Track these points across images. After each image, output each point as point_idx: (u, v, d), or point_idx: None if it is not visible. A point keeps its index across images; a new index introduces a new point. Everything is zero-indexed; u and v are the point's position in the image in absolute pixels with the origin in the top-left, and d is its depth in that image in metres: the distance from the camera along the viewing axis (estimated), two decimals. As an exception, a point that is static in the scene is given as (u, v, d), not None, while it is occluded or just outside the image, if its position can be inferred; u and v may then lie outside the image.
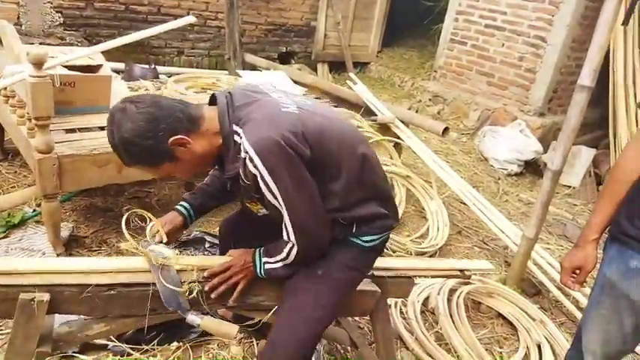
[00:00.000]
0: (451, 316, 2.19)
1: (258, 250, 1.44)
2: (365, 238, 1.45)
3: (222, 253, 1.72)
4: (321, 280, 1.42)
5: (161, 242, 1.48)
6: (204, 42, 5.21)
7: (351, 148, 1.39)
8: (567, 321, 2.52)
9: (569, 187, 4.25)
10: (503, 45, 4.92)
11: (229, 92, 1.37)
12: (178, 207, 1.61)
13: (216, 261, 1.48)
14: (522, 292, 2.59)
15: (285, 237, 1.34)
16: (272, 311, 1.52)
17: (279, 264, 1.39)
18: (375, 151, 1.54)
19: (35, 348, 1.34)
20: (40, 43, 3.80)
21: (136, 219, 2.34)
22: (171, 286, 1.35)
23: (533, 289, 2.68)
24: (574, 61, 4.61)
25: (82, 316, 1.48)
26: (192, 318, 1.39)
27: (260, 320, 1.55)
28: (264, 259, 1.41)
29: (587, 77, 2.10)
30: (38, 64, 1.87)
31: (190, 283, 1.39)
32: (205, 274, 1.41)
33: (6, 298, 1.28)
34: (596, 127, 5.05)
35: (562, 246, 3.27)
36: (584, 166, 4.29)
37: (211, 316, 1.50)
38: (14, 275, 1.30)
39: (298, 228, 1.31)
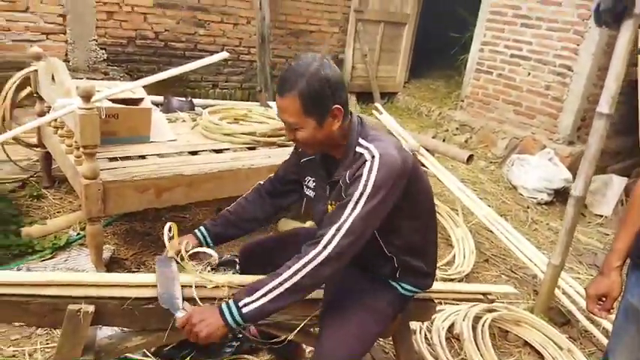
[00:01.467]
0: (476, 342, 2.21)
1: (224, 302, 1.34)
2: (405, 286, 1.58)
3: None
4: (368, 309, 1.50)
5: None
6: (237, 75, 5.46)
7: (428, 201, 1.56)
8: (597, 351, 2.48)
9: (602, 216, 4.19)
10: (529, 74, 4.96)
11: (360, 116, 1.53)
12: (196, 231, 1.67)
13: (245, 279, 1.55)
14: (550, 321, 2.57)
15: (321, 241, 1.32)
16: (297, 329, 1.59)
17: (268, 296, 1.29)
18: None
19: (80, 357, 1.45)
20: (86, 78, 4.08)
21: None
22: (171, 288, 1.42)
23: (561, 319, 2.65)
24: (601, 89, 4.57)
25: (121, 329, 1.60)
26: (180, 315, 1.37)
27: (286, 338, 1.62)
28: (242, 302, 1.29)
29: (605, 105, 2.14)
30: (87, 97, 2.06)
31: (220, 300, 1.47)
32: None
33: (55, 308, 1.38)
34: (629, 156, 4.98)
35: (592, 275, 3.21)
36: (615, 195, 4.23)
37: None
38: (63, 287, 1.42)
39: (346, 237, 1.31)
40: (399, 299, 1.60)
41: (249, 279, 1.56)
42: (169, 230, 1.60)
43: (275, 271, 1.33)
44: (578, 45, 4.53)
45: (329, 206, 1.53)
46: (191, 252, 1.56)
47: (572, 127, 4.66)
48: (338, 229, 1.32)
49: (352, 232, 1.32)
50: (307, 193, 1.65)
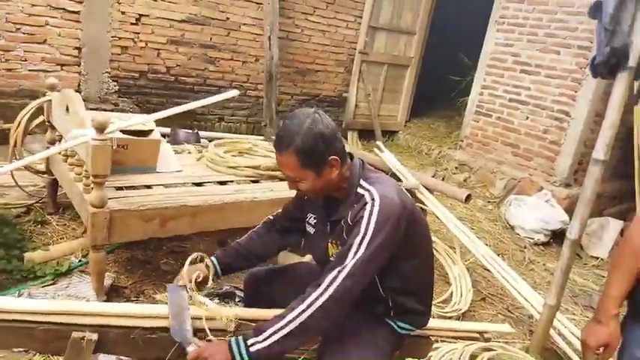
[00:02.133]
0: (471, 381, 2.21)
1: (235, 338, 1.38)
2: (400, 324, 1.63)
3: (248, 306, 1.85)
4: (366, 344, 1.54)
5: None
6: (244, 110, 5.60)
7: (425, 244, 1.63)
8: (592, 394, 2.47)
9: (597, 258, 4.22)
10: (527, 118, 5.09)
11: (361, 159, 1.62)
12: (207, 260, 1.73)
13: (255, 314, 1.59)
14: (546, 363, 2.58)
15: (323, 283, 1.37)
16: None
17: (275, 337, 1.34)
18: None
19: (80, 383, 1.47)
20: (96, 109, 4.20)
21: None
22: (183, 320, 1.47)
23: (556, 359, 2.66)
24: (597, 134, 4.65)
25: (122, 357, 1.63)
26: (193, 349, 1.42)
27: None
28: (250, 341, 1.34)
29: (601, 151, 2.23)
30: (101, 129, 2.14)
31: (229, 333, 1.49)
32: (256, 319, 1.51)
33: (60, 335, 1.43)
34: (625, 200, 5.05)
35: (587, 317, 3.22)
36: (612, 238, 4.27)
37: None
38: (68, 315, 1.46)
39: (350, 278, 1.37)
40: (395, 336, 1.64)
41: (255, 312, 1.61)
42: (200, 260, 1.66)
43: (281, 313, 1.39)
44: (575, 92, 4.67)
45: (329, 244, 1.60)
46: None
47: (570, 170, 4.75)
48: (340, 272, 1.38)
49: (354, 274, 1.39)
50: (308, 229, 1.72)
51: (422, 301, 1.65)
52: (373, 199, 1.44)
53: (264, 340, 1.34)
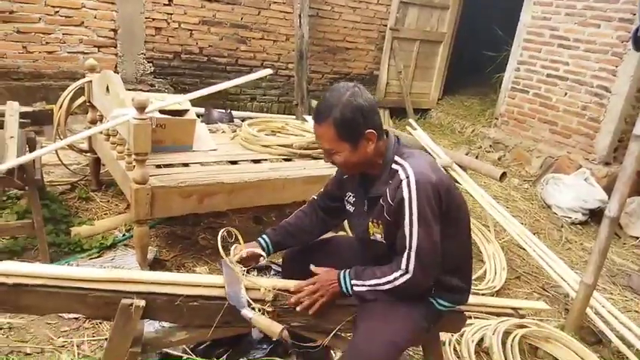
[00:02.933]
0: (505, 357, 2.22)
1: (343, 271, 1.59)
2: (440, 302, 1.64)
3: (285, 278, 1.90)
4: (402, 318, 1.56)
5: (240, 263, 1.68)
6: (275, 89, 5.63)
7: (463, 220, 1.63)
8: (629, 372, 2.45)
9: (637, 238, 4.11)
10: (566, 94, 4.94)
11: (397, 136, 1.63)
12: (260, 239, 1.80)
13: (289, 284, 1.64)
14: (581, 340, 2.55)
15: (401, 264, 1.49)
16: (331, 334, 1.66)
17: (368, 287, 1.54)
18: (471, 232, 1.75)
19: (129, 348, 1.56)
20: (133, 89, 4.31)
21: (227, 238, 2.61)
22: (237, 287, 1.55)
23: (593, 338, 2.63)
24: (639, 110, 4.55)
25: (166, 324, 1.71)
26: (246, 312, 1.51)
27: (322, 343, 1.69)
28: (352, 281, 1.56)
29: (642, 127, 2.16)
30: (141, 108, 2.21)
31: (265, 302, 1.56)
32: (292, 288, 1.59)
33: (110, 302, 1.50)
34: (668, 178, 4.87)
35: (626, 297, 3.18)
36: (653, 218, 4.14)
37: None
38: (117, 283, 1.54)
39: (420, 258, 1.47)
40: (433, 313, 1.65)
41: (290, 283, 1.66)
42: (230, 237, 1.71)
43: (375, 271, 1.55)
44: (616, 66, 4.50)
45: (370, 223, 1.62)
46: (238, 256, 1.67)
47: (609, 148, 4.60)
48: (409, 257, 1.48)
49: (421, 255, 1.46)
50: (348, 208, 1.74)
51: (462, 278, 1.65)
52: (407, 176, 1.45)
53: (363, 285, 1.55)
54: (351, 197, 1.71)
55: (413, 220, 1.43)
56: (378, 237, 1.61)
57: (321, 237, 1.95)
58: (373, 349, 1.49)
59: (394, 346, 1.53)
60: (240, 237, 1.71)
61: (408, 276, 1.48)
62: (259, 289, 1.58)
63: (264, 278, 1.70)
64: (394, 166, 1.52)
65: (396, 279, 1.50)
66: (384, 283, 1.52)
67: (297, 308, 1.55)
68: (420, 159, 1.54)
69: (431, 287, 1.59)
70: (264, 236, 1.81)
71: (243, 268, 1.62)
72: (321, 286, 1.57)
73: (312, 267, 1.66)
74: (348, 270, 1.59)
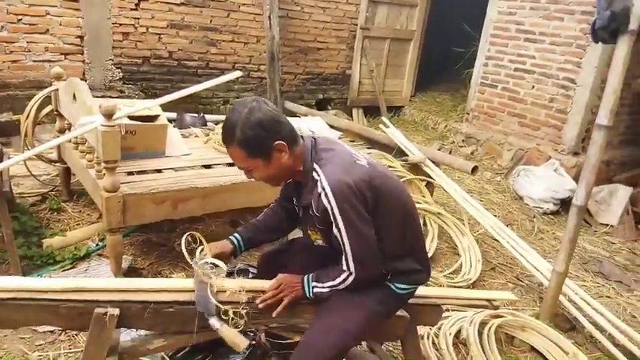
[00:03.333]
0: (482, 347, 2.27)
1: (306, 275, 1.64)
2: (398, 285, 1.66)
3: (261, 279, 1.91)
4: (354, 306, 1.60)
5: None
6: (248, 91, 5.60)
7: (401, 205, 1.63)
8: (602, 356, 2.53)
9: (607, 225, 4.23)
10: (533, 87, 5.06)
11: (314, 137, 1.63)
12: (231, 237, 1.82)
13: (257, 284, 1.67)
14: (556, 327, 2.62)
15: (343, 266, 1.55)
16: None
17: (327, 289, 1.60)
18: (417, 212, 1.76)
19: (105, 357, 1.54)
20: (102, 96, 4.24)
21: (192, 243, 2.58)
22: (205, 293, 1.53)
23: (567, 325, 2.70)
24: (605, 101, 4.68)
25: (143, 332, 1.69)
26: (213, 322, 1.53)
27: (298, 341, 1.70)
28: (312, 284, 1.61)
29: (604, 117, 2.23)
30: (109, 115, 2.18)
31: (239, 304, 1.56)
32: (260, 288, 1.61)
33: (83, 312, 1.49)
34: (636, 166, 5.03)
35: (598, 283, 3.27)
36: (621, 205, 4.27)
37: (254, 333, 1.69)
38: (90, 292, 1.52)
39: (357, 259, 1.52)
40: (393, 297, 1.67)
41: (258, 283, 1.68)
42: (195, 241, 1.69)
43: (329, 274, 1.61)
44: (580, 58, 4.63)
45: (308, 231, 1.69)
46: (203, 261, 1.63)
47: (577, 138, 4.73)
48: (347, 260, 1.54)
49: (359, 256, 1.52)
50: (298, 212, 1.77)
51: (417, 260, 1.67)
52: (324, 187, 1.47)
53: (322, 287, 1.61)
54: (295, 202, 1.75)
55: (340, 227, 1.47)
56: (320, 242, 1.68)
57: (291, 238, 1.97)
58: (326, 339, 1.53)
59: (346, 334, 1.57)
60: (204, 240, 1.69)
61: (352, 276, 1.55)
62: (234, 292, 1.58)
63: (232, 280, 1.69)
64: (314, 175, 1.53)
65: (344, 280, 1.57)
66: (338, 284, 1.58)
67: (260, 305, 1.58)
68: (334, 163, 1.52)
69: (383, 274, 1.63)
70: (235, 234, 1.83)
71: (213, 271, 1.59)
72: (285, 287, 1.61)
73: (280, 275, 1.67)
74: (311, 274, 1.64)
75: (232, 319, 1.54)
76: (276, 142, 1.49)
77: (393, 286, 1.66)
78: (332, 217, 1.47)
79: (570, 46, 4.70)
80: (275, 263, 1.87)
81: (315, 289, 1.61)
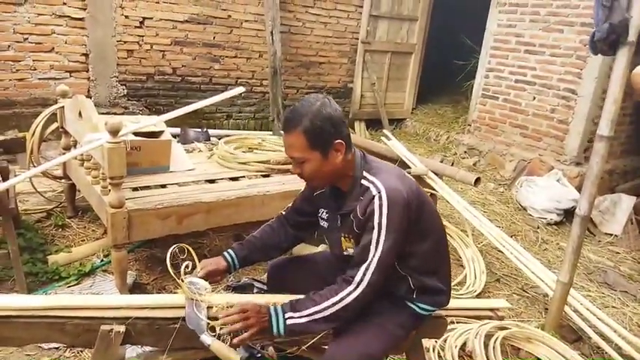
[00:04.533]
0: (488, 359, 2.26)
1: (274, 306, 1.49)
2: (421, 305, 1.66)
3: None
4: (377, 329, 1.58)
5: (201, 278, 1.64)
6: (251, 106, 5.66)
7: (437, 225, 1.66)
8: (609, 367, 2.51)
9: (611, 235, 4.22)
10: (534, 98, 5.08)
11: (362, 151, 1.65)
12: (225, 253, 1.78)
13: (247, 299, 1.63)
14: (562, 338, 2.61)
15: (355, 278, 1.46)
16: (309, 343, 1.63)
17: (307, 318, 1.45)
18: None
19: (111, 374, 1.55)
20: (107, 113, 4.28)
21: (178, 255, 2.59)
22: (193, 310, 1.51)
23: (573, 335, 2.69)
24: (606, 111, 4.70)
25: (148, 348, 1.70)
26: (205, 338, 1.48)
27: (298, 349, 1.68)
28: (287, 315, 1.46)
29: (605, 128, 2.24)
30: (114, 132, 2.21)
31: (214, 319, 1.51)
32: (222, 313, 1.50)
33: (89, 329, 1.49)
34: (637, 175, 5.04)
35: (603, 293, 3.25)
36: (625, 214, 4.26)
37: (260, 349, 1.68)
38: (96, 309, 1.53)
39: (379, 270, 1.46)
40: (413, 319, 1.67)
41: (246, 298, 1.66)
42: (183, 253, 1.62)
43: (314, 298, 1.49)
44: (581, 69, 4.65)
45: (342, 238, 1.64)
46: (189, 279, 1.60)
47: (579, 149, 4.74)
48: (367, 269, 1.46)
49: (379, 268, 1.47)
50: (322, 224, 1.76)
51: (441, 280, 1.68)
52: (379, 192, 1.47)
53: (300, 317, 1.46)
54: (324, 213, 1.73)
55: (380, 233, 1.45)
56: (351, 252, 1.62)
57: (302, 253, 1.95)
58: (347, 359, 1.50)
59: (368, 358, 1.55)
60: (193, 253, 1.61)
61: (360, 289, 1.45)
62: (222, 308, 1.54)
63: (220, 295, 1.64)
64: (364, 182, 1.54)
65: (343, 298, 1.45)
66: (327, 307, 1.45)
67: (223, 330, 1.46)
68: (389, 173, 1.56)
69: (410, 290, 1.61)
70: (229, 251, 1.77)
71: (207, 289, 1.57)
72: (248, 318, 1.46)
73: (243, 300, 1.57)
74: (281, 304, 1.50)
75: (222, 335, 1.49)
76: (337, 141, 1.50)
77: (415, 307, 1.65)
78: (377, 221, 1.45)
79: (570, 57, 4.73)
80: (286, 278, 1.85)
81: (290, 321, 1.45)
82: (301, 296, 1.54)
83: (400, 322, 1.63)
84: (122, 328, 1.49)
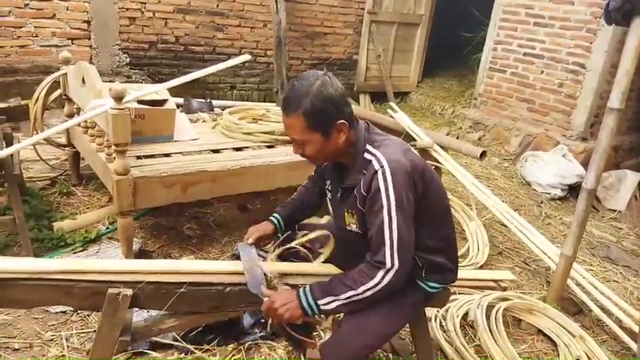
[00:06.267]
0: (490, 329, 2.28)
1: (303, 293, 1.48)
2: (430, 284, 1.64)
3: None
4: (391, 306, 1.57)
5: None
6: (254, 77, 5.59)
7: (443, 202, 1.63)
8: (609, 339, 2.54)
9: (615, 210, 4.22)
10: (542, 72, 5.01)
11: (367, 122, 1.61)
12: (271, 217, 1.82)
13: (302, 267, 1.67)
14: (563, 311, 2.63)
15: (385, 260, 1.42)
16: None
17: (345, 301, 1.45)
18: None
19: (118, 337, 1.57)
20: (109, 82, 4.23)
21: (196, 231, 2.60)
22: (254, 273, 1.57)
23: (574, 308, 2.71)
24: (615, 85, 4.64)
25: (153, 312, 1.72)
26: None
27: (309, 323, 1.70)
28: (321, 301, 1.46)
29: (615, 100, 2.21)
30: (119, 98, 2.18)
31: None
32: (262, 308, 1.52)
33: (97, 292, 1.50)
34: (643, 152, 5.01)
35: (605, 267, 3.27)
36: (629, 190, 4.26)
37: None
38: (104, 273, 1.54)
39: (402, 249, 1.42)
40: (423, 297, 1.67)
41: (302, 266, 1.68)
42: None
43: (346, 281, 1.47)
44: (590, 43, 4.57)
45: (345, 212, 1.63)
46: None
47: (586, 124, 4.69)
48: (392, 250, 1.42)
49: (402, 244, 1.43)
50: (328, 195, 1.76)
51: (449, 258, 1.66)
52: (382, 166, 1.44)
53: (332, 302, 1.46)
54: (329, 185, 1.72)
55: (392, 210, 1.41)
56: (354, 227, 1.61)
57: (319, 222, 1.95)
58: (362, 339, 1.51)
59: (382, 337, 1.59)
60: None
61: (393, 270, 1.42)
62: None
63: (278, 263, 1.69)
64: (367, 155, 1.50)
65: (380, 281, 1.43)
66: (363, 291, 1.44)
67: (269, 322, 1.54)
68: (392, 146, 1.51)
69: (419, 268, 1.61)
70: (274, 214, 1.82)
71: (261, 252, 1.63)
72: (276, 311, 1.48)
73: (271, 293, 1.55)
74: (305, 287, 1.50)
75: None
76: (340, 122, 1.46)
77: (425, 286, 1.64)
78: (384, 199, 1.41)
79: (580, 30, 4.64)
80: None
81: (327, 307, 1.46)
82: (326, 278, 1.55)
83: (412, 302, 1.63)
84: (130, 292, 1.50)
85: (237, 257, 2.52)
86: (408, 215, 1.44)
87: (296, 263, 1.73)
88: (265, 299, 1.49)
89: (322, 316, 1.54)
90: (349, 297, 1.44)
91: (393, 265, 1.42)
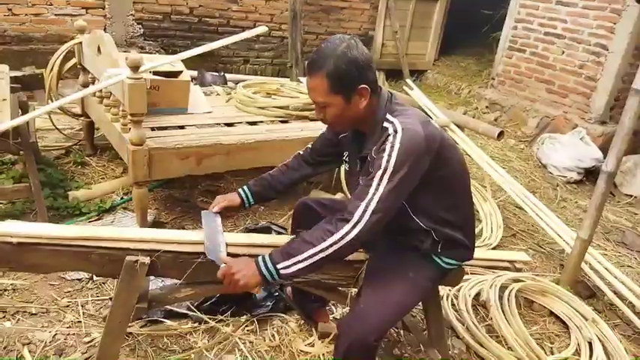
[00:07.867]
0: (502, 310, 2.28)
1: (261, 258, 1.42)
2: (446, 260, 1.63)
3: (293, 232, 1.91)
4: (410, 281, 1.57)
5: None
6: (269, 51, 5.52)
7: (463, 178, 1.63)
8: (622, 323, 2.53)
9: (631, 196, 4.16)
10: (563, 53, 4.89)
11: (391, 92, 1.58)
12: (240, 190, 1.81)
13: (259, 239, 1.67)
14: (576, 294, 2.61)
15: (354, 214, 1.37)
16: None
17: (307, 262, 1.38)
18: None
19: (135, 304, 1.58)
20: (123, 52, 4.20)
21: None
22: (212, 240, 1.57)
23: (587, 292, 2.69)
24: (637, 68, 4.50)
25: (169, 281, 1.73)
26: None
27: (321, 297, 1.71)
28: (280, 265, 1.39)
29: (641, 81, 2.14)
30: (135, 67, 2.16)
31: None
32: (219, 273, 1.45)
33: (114, 259, 1.51)
34: (663, 137, 4.89)
35: (619, 252, 3.24)
36: (647, 176, 4.18)
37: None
38: (122, 241, 1.54)
39: (379, 208, 1.37)
40: (439, 272, 1.66)
41: (262, 239, 1.70)
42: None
43: (307, 238, 1.41)
44: (614, 23, 4.43)
45: (360, 180, 1.59)
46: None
47: (606, 107, 4.59)
48: (366, 207, 1.37)
49: (379, 209, 1.38)
50: (345, 167, 1.74)
51: (466, 234, 1.65)
52: (396, 131, 1.41)
53: (293, 264, 1.39)
54: (347, 156, 1.71)
55: (386, 173, 1.37)
56: None
57: (333, 197, 1.93)
58: (383, 312, 1.50)
59: (402, 309, 1.57)
60: None
61: (360, 226, 1.36)
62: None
63: (235, 234, 1.71)
64: (385, 124, 1.47)
65: (344, 236, 1.37)
66: (325, 248, 1.38)
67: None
68: (412, 116, 1.48)
69: (437, 243, 1.59)
70: (244, 187, 1.80)
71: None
72: (236, 272, 1.41)
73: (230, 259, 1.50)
74: (267, 256, 1.43)
75: None
76: (362, 86, 1.44)
77: (440, 261, 1.63)
78: (384, 159, 1.38)
79: (604, 10, 4.50)
80: (313, 217, 1.78)
81: (286, 270, 1.39)
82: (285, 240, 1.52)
83: (429, 276, 1.63)
84: (147, 260, 1.51)
85: (252, 232, 2.54)
86: (403, 185, 1.40)
87: (261, 234, 1.74)
88: (222, 265, 1.45)
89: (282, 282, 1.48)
90: (310, 255, 1.38)
91: (361, 220, 1.37)
